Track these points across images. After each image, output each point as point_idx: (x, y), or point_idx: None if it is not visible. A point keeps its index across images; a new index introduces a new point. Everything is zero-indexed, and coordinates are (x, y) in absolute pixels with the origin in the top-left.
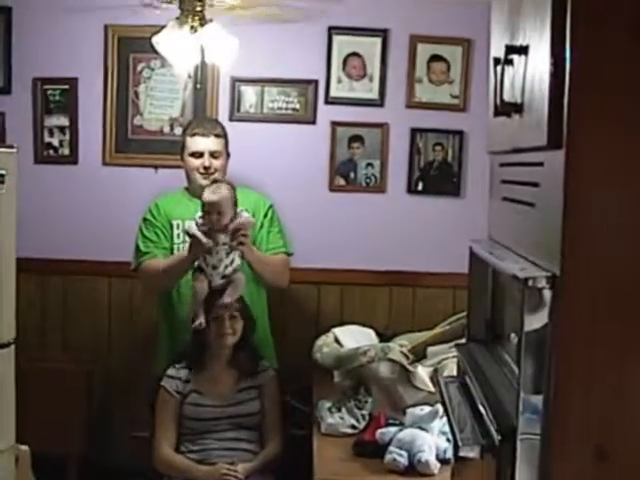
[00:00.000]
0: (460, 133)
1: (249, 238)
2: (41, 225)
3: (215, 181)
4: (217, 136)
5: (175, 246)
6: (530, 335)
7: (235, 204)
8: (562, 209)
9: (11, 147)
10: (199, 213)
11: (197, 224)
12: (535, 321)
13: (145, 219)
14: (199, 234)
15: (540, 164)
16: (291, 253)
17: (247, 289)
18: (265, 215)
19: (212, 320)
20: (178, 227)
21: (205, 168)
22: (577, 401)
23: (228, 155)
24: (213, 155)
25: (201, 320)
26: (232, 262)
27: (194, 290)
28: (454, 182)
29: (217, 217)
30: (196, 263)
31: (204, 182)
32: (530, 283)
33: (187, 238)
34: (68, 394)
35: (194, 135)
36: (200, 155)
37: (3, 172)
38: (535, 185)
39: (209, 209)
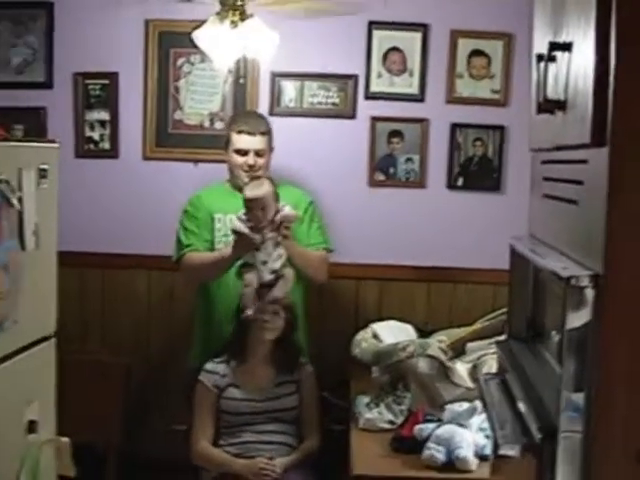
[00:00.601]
0: (501, 128)
1: (292, 231)
2: (81, 219)
3: (256, 177)
4: (263, 134)
5: (216, 239)
6: (572, 333)
7: (277, 199)
8: (606, 207)
9: (53, 142)
10: (242, 210)
11: (242, 221)
12: (577, 319)
13: (186, 211)
14: (247, 231)
15: (584, 162)
16: (331, 249)
17: None
18: (305, 211)
19: (254, 315)
20: (219, 221)
21: (249, 166)
22: (619, 400)
23: (272, 149)
24: (258, 153)
25: (251, 311)
26: (280, 256)
27: (245, 281)
28: (494, 177)
29: (261, 213)
30: (241, 260)
31: (247, 180)
32: (573, 282)
33: (230, 235)
34: (107, 387)
35: (241, 133)
36: (245, 153)
37: (45, 166)
38: (578, 183)
39: (252, 205)
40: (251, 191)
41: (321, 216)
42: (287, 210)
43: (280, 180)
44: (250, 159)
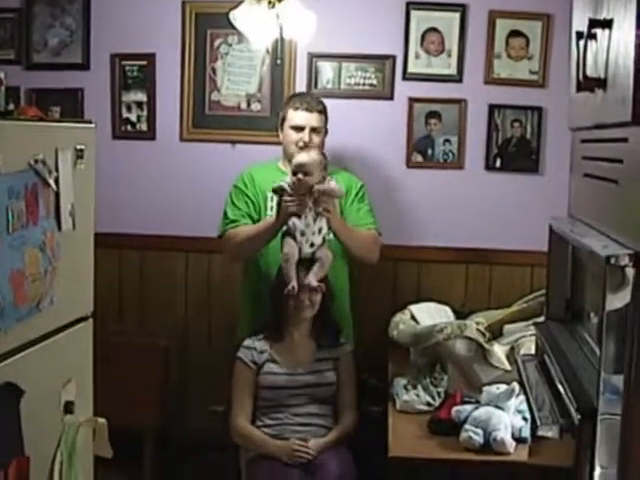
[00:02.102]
0: (539, 109)
1: (336, 207)
2: (119, 200)
3: (307, 146)
4: (320, 112)
5: (268, 218)
6: (612, 314)
7: (324, 169)
8: None
9: (89, 122)
10: (288, 177)
11: (286, 185)
12: (617, 300)
13: (237, 187)
14: (286, 186)
15: (624, 140)
16: (380, 233)
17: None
18: (357, 193)
19: (293, 291)
20: (272, 199)
21: (305, 143)
22: None
23: (326, 131)
24: (315, 130)
25: (293, 284)
26: (320, 230)
27: (285, 254)
28: (533, 159)
29: (304, 178)
30: (284, 228)
31: None
32: (612, 261)
33: (274, 199)
34: (144, 369)
35: (297, 109)
36: (301, 129)
37: (82, 147)
38: (619, 161)
39: (297, 169)
40: (298, 156)
41: (371, 201)
42: (332, 184)
43: (333, 165)
44: (306, 135)
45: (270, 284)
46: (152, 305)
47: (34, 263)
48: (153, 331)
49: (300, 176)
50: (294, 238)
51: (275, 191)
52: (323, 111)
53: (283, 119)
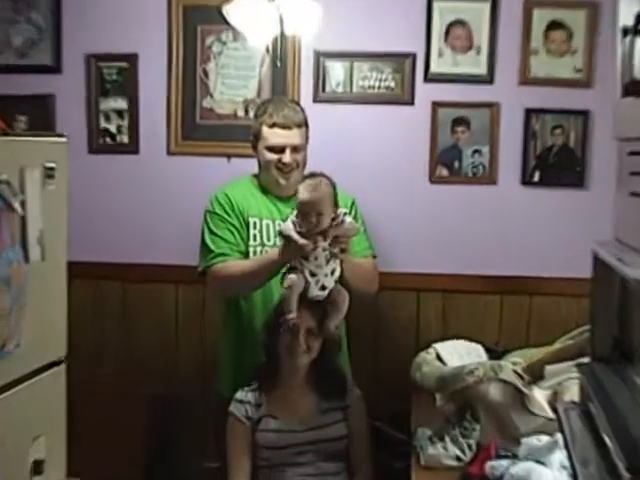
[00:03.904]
0: (584, 113)
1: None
2: (97, 224)
3: (312, 175)
4: (299, 126)
5: (251, 249)
6: None
7: (335, 203)
8: None
9: (61, 136)
10: (294, 213)
11: (294, 224)
12: None
13: (215, 213)
14: (296, 236)
15: None
16: (376, 256)
17: None
18: (349, 212)
19: (283, 333)
20: (255, 226)
21: (285, 164)
22: None
23: (307, 142)
24: (295, 149)
25: (294, 315)
26: (333, 272)
27: (289, 282)
28: (577, 171)
29: (316, 219)
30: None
31: (282, 181)
32: None
33: (267, 245)
34: (127, 420)
35: (274, 126)
36: (280, 150)
37: (52, 164)
38: None
39: (307, 210)
40: (306, 193)
41: (364, 218)
42: (348, 222)
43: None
44: (286, 157)
45: (260, 323)
46: (136, 346)
47: None
48: (137, 376)
49: (313, 219)
50: (301, 272)
51: (281, 235)
52: (303, 123)
53: (256, 135)
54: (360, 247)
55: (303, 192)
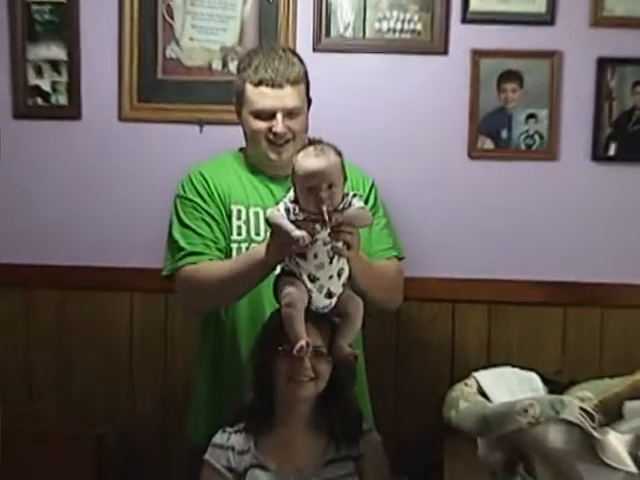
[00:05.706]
0: None
1: (358, 238)
2: (24, 215)
3: (312, 142)
4: (295, 83)
5: (234, 245)
6: None
7: (344, 178)
8: None
9: None
10: (288, 196)
11: (288, 210)
12: None
13: (186, 198)
14: (289, 225)
15: None
16: (402, 257)
17: None
18: (367, 200)
19: (282, 356)
20: (239, 216)
21: (276, 134)
22: None
23: (309, 104)
24: (290, 114)
25: (304, 343)
26: (340, 273)
27: (287, 296)
28: None
29: (329, 193)
30: (278, 268)
31: (273, 156)
32: None
33: (255, 240)
34: (69, 468)
35: (260, 84)
36: (270, 115)
37: None
38: None
39: (314, 182)
40: (311, 160)
41: (386, 208)
42: (357, 206)
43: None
44: (278, 124)
45: (247, 347)
46: (79, 373)
47: None
48: (81, 414)
49: (324, 194)
50: (299, 280)
51: (268, 223)
52: (300, 77)
53: (240, 96)
54: (381, 246)
55: (305, 158)
